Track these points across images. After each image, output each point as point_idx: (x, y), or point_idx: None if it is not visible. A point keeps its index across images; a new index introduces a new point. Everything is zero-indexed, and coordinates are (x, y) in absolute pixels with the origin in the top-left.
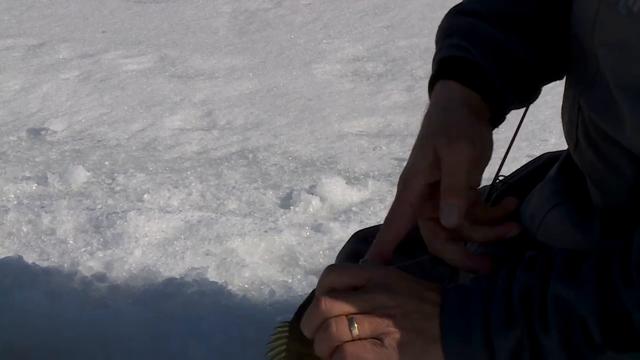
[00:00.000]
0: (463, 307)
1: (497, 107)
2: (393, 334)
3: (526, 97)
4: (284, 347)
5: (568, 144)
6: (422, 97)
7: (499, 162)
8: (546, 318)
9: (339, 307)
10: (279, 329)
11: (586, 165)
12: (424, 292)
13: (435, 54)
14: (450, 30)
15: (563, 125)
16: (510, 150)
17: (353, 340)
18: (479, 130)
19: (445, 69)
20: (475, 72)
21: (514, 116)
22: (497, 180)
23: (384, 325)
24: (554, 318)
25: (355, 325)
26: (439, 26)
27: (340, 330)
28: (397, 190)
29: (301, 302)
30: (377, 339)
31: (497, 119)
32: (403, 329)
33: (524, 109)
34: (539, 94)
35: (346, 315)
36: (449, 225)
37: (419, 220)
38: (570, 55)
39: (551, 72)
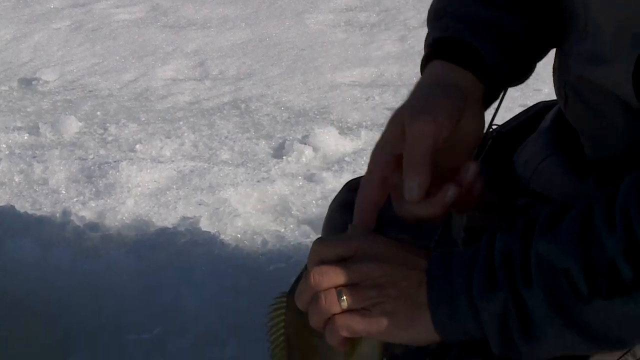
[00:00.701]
0: (447, 274)
1: (491, 86)
2: (382, 303)
3: (520, 74)
4: (282, 317)
5: (559, 100)
6: (415, 47)
7: (493, 112)
8: (529, 277)
9: (327, 280)
10: (278, 299)
11: (578, 121)
12: (412, 259)
13: (427, 35)
14: (443, 12)
15: (554, 83)
16: (504, 100)
17: (343, 312)
18: (448, 106)
19: (437, 50)
20: (467, 51)
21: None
22: (491, 130)
23: (373, 295)
24: (537, 275)
25: (344, 297)
26: (430, 6)
27: (330, 302)
28: (369, 160)
29: (292, 249)
30: (367, 309)
31: (492, 98)
32: (391, 298)
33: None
34: (534, 70)
35: (335, 288)
36: (410, 200)
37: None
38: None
39: (544, 44)
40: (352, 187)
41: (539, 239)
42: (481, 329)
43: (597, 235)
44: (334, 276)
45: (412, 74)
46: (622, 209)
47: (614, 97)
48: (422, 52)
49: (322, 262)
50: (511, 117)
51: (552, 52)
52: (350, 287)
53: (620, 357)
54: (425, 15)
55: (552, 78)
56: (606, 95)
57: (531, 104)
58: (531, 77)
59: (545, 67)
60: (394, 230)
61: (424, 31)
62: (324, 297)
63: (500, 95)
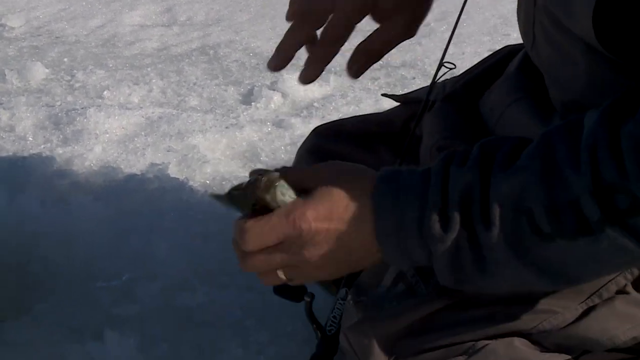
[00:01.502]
0: (396, 207)
1: None
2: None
3: None
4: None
5: (525, 43)
6: None
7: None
8: (488, 217)
9: (263, 268)
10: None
11: (543, 63)
12: (356, 193)
13: None
14: None
15: (519, 24)
16: (473, 44)
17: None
18: None
19: None
20: None
21: (476, 11)
22: (443, 64)
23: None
24: (497, 216)
25: (284, 277)
26: None
27: (271, 280)
28: None
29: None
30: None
31: None
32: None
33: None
34: None
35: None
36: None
37: None
38: None
39: None
40: (319, 133)
41: (499, 177)
42: (431, 262)
43: (560, 174)
44: (269, 265)
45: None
46: (589, 148)
47: (576, 38)
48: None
49: (263, 243)
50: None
51: None
52: (287, 268)
53: (586, 299)
54: None
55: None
56: (569, 35)
57: (499, 47)
58: (500, 23)
59: (513, 13)
60: None
61: None
62: (265, 278)
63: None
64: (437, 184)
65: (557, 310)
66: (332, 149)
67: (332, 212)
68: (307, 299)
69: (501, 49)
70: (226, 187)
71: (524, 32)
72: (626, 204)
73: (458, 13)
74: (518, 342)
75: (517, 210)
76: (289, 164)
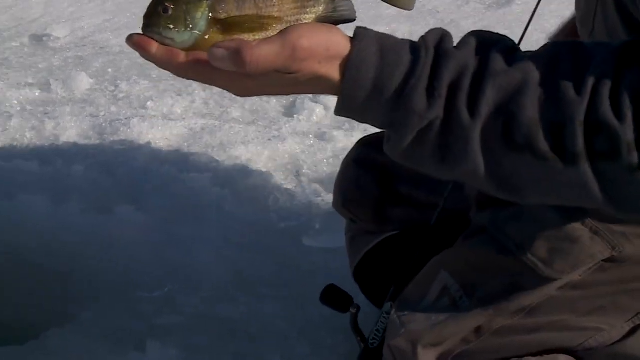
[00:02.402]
0: (378, 67)
1: None
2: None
3: None
4: None
5: (581, 34)
6: (426, 6)
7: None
8: (475, 105)
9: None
10: None
11: None
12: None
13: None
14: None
15: (578, 15)
16: None
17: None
18: None
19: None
20: None
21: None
22: None
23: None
24: (484, 106)
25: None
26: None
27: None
28: None
29: (303, 208)
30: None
31: None
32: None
33: (529, 18)
34: None
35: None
36: None
37: None
38: None
39: None
40: (365, 144)
41: (495, 70)
42: (386, 127)
43: (557, 91)
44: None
45: (423, 32)
46: (594, 78)
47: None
48: (434, 11)
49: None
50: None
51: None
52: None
53: (633, 317)
54: None
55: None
56: (632, 23)
57: None
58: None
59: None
60: (406, 187)
61: None
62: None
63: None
64: (427, 58)
65: (603, 328)
66: (378, 159)
67: (319, 47)
68: (352, 310)
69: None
70: (269, 200)
71: (582, 22)
72: (605, 147)
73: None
74: (563, 358)
75: (500, 109)
76: (332, 177)
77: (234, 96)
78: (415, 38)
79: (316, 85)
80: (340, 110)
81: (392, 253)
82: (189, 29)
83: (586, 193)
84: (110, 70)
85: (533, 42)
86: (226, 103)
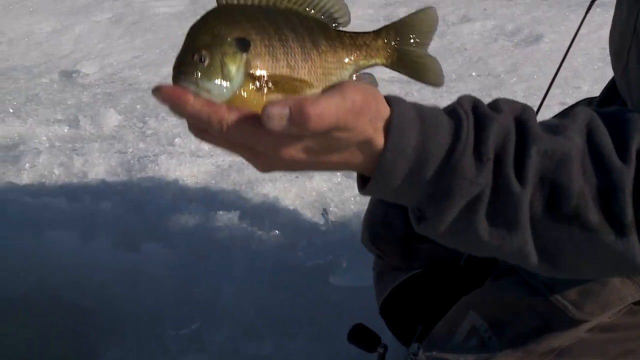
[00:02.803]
0: (421, 133)
1: None
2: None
3: None
4: None
5: (615, 68)
6: (454, 43)
7: (536, 109)
8: (522, 172)
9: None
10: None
11: (632, 87)
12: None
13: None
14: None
15: (611, 48)
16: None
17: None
18: None
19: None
20: None
21: (547, 64)
22: None
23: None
24: (531, 173)
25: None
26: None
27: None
28: None
29: (330, 246)
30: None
31: None
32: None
33: (556, 56)
34: None
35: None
36: None
37: None
38: None
39: None
40: None
41: (539, 135)
42: (428, 202)
43: (602, 158)
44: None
45: (450, 70)
46: (637, 143)
47: None
48: (461, 48)
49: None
50: (551, 114)
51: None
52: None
53: None
54: (464, 10)
55: (591, 76)
56: None
57: (571, 101)
58: (571, 75)
59: (585, 66)
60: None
61: (462, 27)
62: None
63: (543, 95)
64: (469, 121)
65: None
66: None
67: (370, 104)
68: (380, 350)
69: (580, 101)
70: (296, 238)
71: (615, 55)
72: None
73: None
74: None
75: (546, 177)
76: (359, 215)
77: None
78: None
79: (361, 151)
80: (376, 183)
81: (419, 290)
82: (226, 81)
83: (633, 264)
84: (138, 106)
85: (561, 79)
86: None
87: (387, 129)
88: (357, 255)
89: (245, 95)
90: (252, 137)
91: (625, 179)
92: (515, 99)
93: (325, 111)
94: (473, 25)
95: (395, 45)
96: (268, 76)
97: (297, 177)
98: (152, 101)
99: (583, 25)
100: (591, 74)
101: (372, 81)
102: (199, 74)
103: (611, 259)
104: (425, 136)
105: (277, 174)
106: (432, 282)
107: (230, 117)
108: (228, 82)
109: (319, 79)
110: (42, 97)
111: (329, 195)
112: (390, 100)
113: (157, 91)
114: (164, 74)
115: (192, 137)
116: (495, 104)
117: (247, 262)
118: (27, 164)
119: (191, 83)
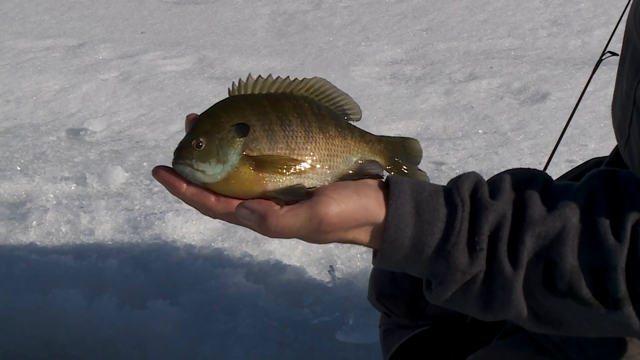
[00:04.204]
0: (416, 224)
1: None
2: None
3: None
4: None
5: (618, 141)
6: (460, 101)
7: (543, 167)
8: (516, 256)
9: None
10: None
11: (635, 160)
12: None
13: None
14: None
15: (614, 121)
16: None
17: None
18: None
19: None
20: None
21: (553, 122)
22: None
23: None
24: (524, 256)
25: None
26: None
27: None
28: None
29: (337, 303)
30: None
31: None
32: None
33: (562, 113)
34: None
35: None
36: None
37: None
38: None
39: None
40: None
41: (534, 219)
42: (430, 280)
43: (596, 236)
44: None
45: (457, 127)
46: (633, 221)
47: None
48: (468, 106)
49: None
50: (558, 172)
51: (600, 99)
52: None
53: None
54: (470, 68)
55: (597, 134)
56: None
57: (577, 159)
58: (577, 133)
59: (591, 123)
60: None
61: (469, 84)
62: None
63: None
64: (464, 212)
65: None
66: None
67: (348, 220)
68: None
69: (588, 161)
70: (303, 295)
71: (618, 129)
72: None
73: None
74: None
75: (540, 257)
76: (365, 272)
77: None
78: (450, 133)
79: (342, 242)
80: (379, 264)
81: (426, 348)
82: (220, 163)
83: (630, 331)
84: (145, 164)
85: (568, 137)
86: None
87: (384, 222)
88: (363, 312)
89: (241, 174)
90: (241, 222)
91: (618, 257)
92: (521, 156)
93: (286, 229)
94: (479, 83)
95: (391, 155)
96: (265, 157)
97: None
98: (159, 158)
99: (589, 83)
100: (597, 131)
101: (376, 170)
102: (195, 157)
103: (609, 327)
104: (420, 229)
105: None
106: (438, 340)
107: (218, 207)
108: (223, 164)
109: (323, 159)
110: (49, 155)
111: (335, 252)
112: (390, 188)
113: (156, 174)
114: (171, 131)
115: None
116: (499, 184)
117: (253, 319)
118: (34, 222)
119: (187, 165)
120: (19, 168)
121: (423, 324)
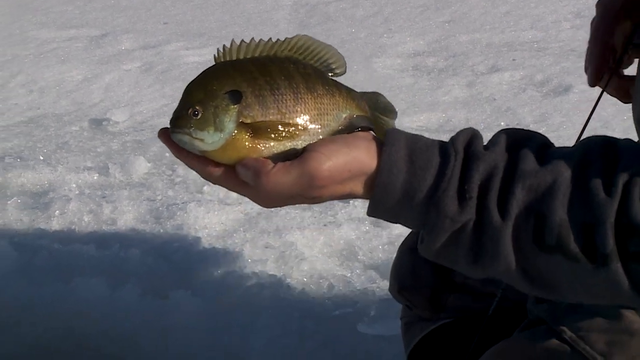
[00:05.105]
0: (409, 170)
1: None
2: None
3: None
4: None
5: (638, 134)
6: (482, 93)
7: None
8: (505, 206)
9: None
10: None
11: None
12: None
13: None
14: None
15: (634, 115)
16: None
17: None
18: None
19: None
20: None
21: (576, 114)
22: None
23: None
24: (514, 207)
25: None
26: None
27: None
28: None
29: (359, 294)
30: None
31: None
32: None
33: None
34: None
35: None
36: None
37: None
38: None
39: None
40: None
41: (526, 171)
42: (419, 229)
43: (587, 192)
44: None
45: (479, 119)
46: (624, 179)
47: None
48: (490, 98)
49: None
50: None
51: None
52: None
53: None
54: (493, 60)
55: (620, 127)
56: None
57: None
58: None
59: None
60: (461, 276)
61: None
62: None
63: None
64: (457, 160)
65: None
66: None
67: (341, 173)
68: None
69: None
70: (324, 286)
71: (638, 122)
72: (637, 248)
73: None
74: None
75: (530, 211)
76: (387, 263)
77: None
78: (472, 125)
79: (340, 198)
80: (372, 213)
81: (447, 340)
82: (218, 131)
83: (619, 292)
84: (167, 154)
85: (591, 129)
86: None
87: (377, 168)
88: (385, 304)
89: (238, 142)
90: (238, 188)
91: (607, 211)
92: None
93: (278, 185)
94: (502, 75)
95: (372, 110)
96: (259, 123)
97: (325, 225)
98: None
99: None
100: (620, 124)
101: (366, 123)
102: (193, 126)
103: (599, 287)
104: (412, 175)
105: (305, 222)
106: (460, 332)
107: (216, 172)
108: (220, 132)
109: (314, 119)
110: (72, 145)
111: (357, 244)
112: (386, 137)
113: (162, 135)
114: None
115: None
116: (495, 139)
117: (275, 310)
118: (57, 211)
119: (185, 134)
120: (42, 158)
121: (444, 316)
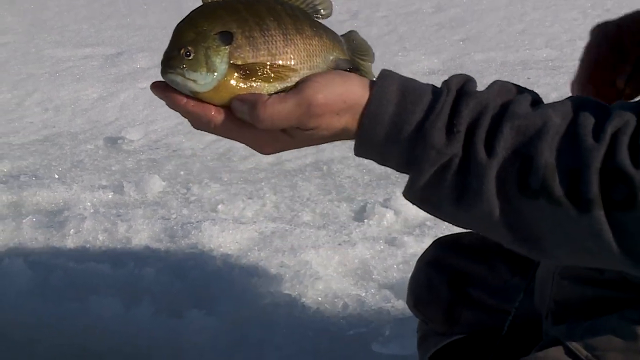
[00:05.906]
0: (398, 104)
1: None
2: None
3: None
4: None
5: None
6: None
7: None
8: (492, 145)
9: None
10: None
11: None
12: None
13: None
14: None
15: None
16: None
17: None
18: None
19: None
20: None
21: None
22: None
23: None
24: (501, 147)
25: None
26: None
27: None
28: None
29: (373, 314)
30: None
31: None
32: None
33: None
34: None
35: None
36: None
37: None
38: None
39: None
40: (440, 245)
41: (516, 113)
42: (403, 168)
43: (576, 137)
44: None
45: None
46: (613, 126)
47: None
48: None
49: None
50: None
51: None
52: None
53: None
54: (507, 79)
55: None
56: None
57: None
58: None
59: None
60: (477, 291)
61: None
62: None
63: None
64: (448, 97)
65: None
66: (451, 262)
67: (336, 102)
68: None
69: None
70: (339, 306)
71: None
72: (622, 196)
73: None
74: None
75: (517, 152)
76: (402, 282)
77: (304, 200)
78: None
79: (336, 136)
80: (359, 148)
81: (461, 356)
82: (210, 72)
83: (601, 243)
84: (182, 173)
85: None
86: (297, 207)
87: (368, 100)
88: (399, 323)
89: (230, 83)
90: (237, 133)
91: (593, 156)
92: None
93: (275, 115)
94: None
95: (355, 51)
96: (250, 64)
97: (339, 244)
98: (196, 167)
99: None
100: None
101: (353, 64)
102: (185, 66)
103: (580, 236)
104: (402, 108)
105: (320, 241)
106: (473, 348)
107: (218, 117)
108: (212, 73)
109: (303, 60)
110: (87, 163)
111: (371, 263)
112: (380, 74)
113: (154, 87)
114: (208, 140)
115: (236, 204)
116: (491, 85)
117: (289, 329)
118: (72, 230)
119: (178, 74)
120: (57, 176)
121: (458, 331)
